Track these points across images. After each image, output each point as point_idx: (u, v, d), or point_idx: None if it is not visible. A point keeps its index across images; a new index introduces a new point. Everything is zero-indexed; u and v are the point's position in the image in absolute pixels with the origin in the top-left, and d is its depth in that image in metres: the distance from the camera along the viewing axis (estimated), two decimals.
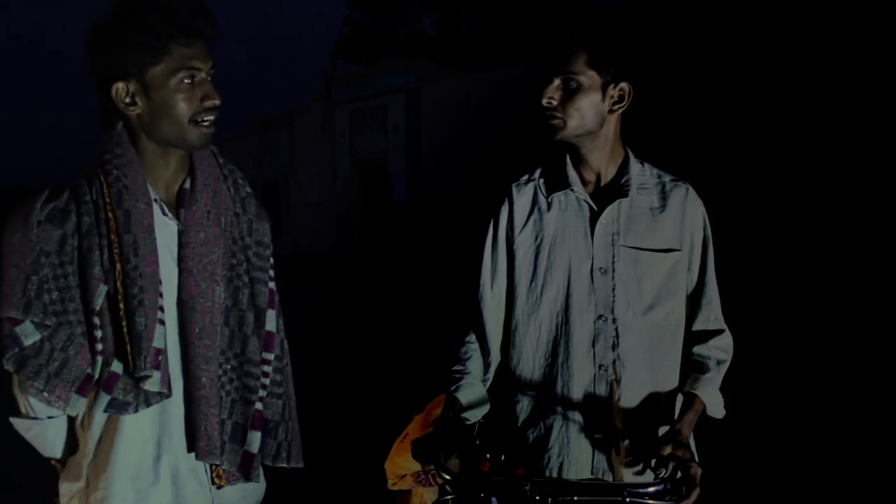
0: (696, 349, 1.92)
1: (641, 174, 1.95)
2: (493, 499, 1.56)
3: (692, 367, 1.90)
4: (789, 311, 8.89)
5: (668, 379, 1.90)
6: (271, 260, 1.76)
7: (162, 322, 1.57)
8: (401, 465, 1.76)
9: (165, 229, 1.64)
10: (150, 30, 1.55)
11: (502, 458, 1.72)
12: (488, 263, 1.99)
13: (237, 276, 1.67)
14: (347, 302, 13.69)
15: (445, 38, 24.87)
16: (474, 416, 1.85)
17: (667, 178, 1.97)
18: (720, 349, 1.93)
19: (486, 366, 1.97)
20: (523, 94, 15.81)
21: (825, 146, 10.69)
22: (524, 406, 1.93)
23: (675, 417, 1.80)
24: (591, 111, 1.84)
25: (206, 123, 1.62)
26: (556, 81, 1.84)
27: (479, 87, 17.72)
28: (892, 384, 6.16)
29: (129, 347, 1.52)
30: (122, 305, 1.53)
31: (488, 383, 1.96)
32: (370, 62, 24.82)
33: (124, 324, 1.53)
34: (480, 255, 2.00)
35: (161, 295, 1.58)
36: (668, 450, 1.61)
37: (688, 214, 1.92)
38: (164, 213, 1.65)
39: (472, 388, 1.89)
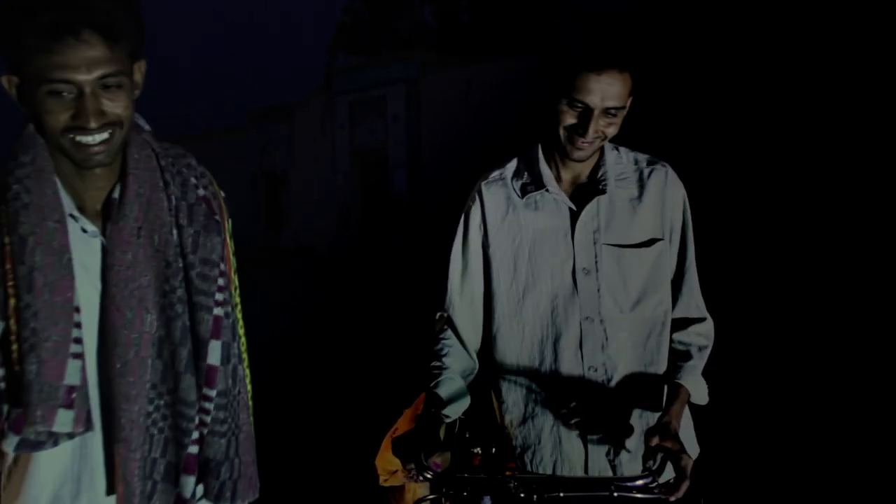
0: (677, 336, 1.87)
1: (618, 163, 1.86)
2: (486, 497, 1.52)
3: (674, 356, 1.86)
4: (780, 301, 8.86)
5: (662, 370, 1.85)
6: (220, 281, 1.50)
7: (78, 356, 1.38)
8: (391, 461, 1.73)
9: (87, 248, 1.42)
10: (6, 30, 1.30)
11: (493, 451, 1.68)
12: (458, 266, 1.91)
13: (170, 305, 1.44)
14: (348, 297, 13.67)
15: (446, 29, 24.77)
16: (455, 412, 1.81)
17: (643, 161, 1.88)
18: (701, 335, 1.88)
19: (465, 363, 1.90)
20: (524, 85, 15.86)
21: (812, 136, 10.64)
22: (512, 407, 1.87)
23: (662, 408, 1.76)
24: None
25: (90, 143, 1.35)
26: (601, 115, 1.71)
27: (480, 78, 17.66)
28: (888, 372, 6.14)
29: (22, 394, 1.34)
30: (13, 347, 1.35)
31: (469, 379, 1.89)
32: (370, 53, 24.74)
33: (17, 368, 1.35)
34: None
35: (78, 325, 1.38)
36: (655, 440, 1.57)
37: (668, 200, 1.84)
38: (84, 230, 1.43)
39: (452, 382, 1.83)
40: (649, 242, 1.81)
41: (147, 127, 1.52)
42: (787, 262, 10.21)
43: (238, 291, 1.62)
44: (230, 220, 1.61)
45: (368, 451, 1.97)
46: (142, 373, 1.41)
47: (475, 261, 1.89)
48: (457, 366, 1.87)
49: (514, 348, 1.85)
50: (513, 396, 1.86)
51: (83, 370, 1.39)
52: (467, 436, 1.71)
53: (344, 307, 12.29)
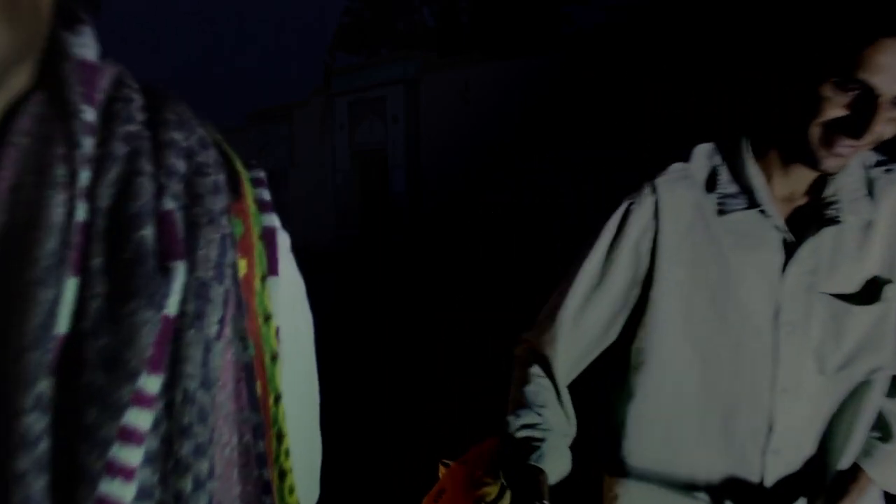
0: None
1: (849, 173, 1.26)
2: None
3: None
4: None
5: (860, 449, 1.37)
6: (137, 419, 0.50)
7: None
8: None
9: None
10: None
11: None
12: (589, 280, 1.33)
13: None
14: (347, 297, 13.62)
15: (445, 30, 24.74)
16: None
17: (875, 167, 1.30)
18: None
19: (562, 421, 1.35)
20: (523, 85, 15.80)
21: None
22: (638, 489, 1.37)
23: (832, 494, 1.31)
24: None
25: None
26: (889, 105, 1.11)
27: (479, 79, 17.62)
28: None
29: None
30: None
31: (570, 440, 1.35)
32: (370, 53, 24.72)
33: None
34: (573, 261, 1.35)
35: None
36: None
37: None
38: None
39: (558, 452, 1.29)
40: (878, 288, 1.28)
41: (90, 57, 0.59)
42: None
43: (279, 407, 0.68)
44: (270, 279, 0.69)
45: (373, 454, 1.85)
46: None
47: (620, 282, 1.32)
48: (559, 426, 1.33)
49: (661, 414, 1.33)
50: (644, 479, 1.36)
51: None
52: (545, 502, 1.33)
53: (343, 307, 12.23)
